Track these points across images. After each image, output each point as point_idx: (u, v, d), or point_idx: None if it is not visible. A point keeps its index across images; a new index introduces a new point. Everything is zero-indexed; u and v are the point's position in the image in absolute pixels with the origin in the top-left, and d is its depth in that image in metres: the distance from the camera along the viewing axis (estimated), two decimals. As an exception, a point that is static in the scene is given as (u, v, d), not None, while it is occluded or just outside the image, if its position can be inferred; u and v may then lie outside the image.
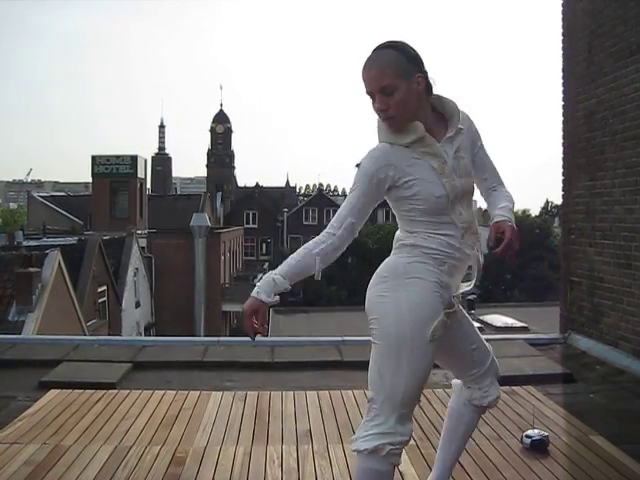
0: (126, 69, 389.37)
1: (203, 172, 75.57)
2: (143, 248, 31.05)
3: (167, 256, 32.34)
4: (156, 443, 3.29)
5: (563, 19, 5.89)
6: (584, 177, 5.48)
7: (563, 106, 5.87)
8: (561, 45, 5.90)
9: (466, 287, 2.20)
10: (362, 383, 4.07)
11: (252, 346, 5.24)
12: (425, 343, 2.02)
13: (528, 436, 3.20)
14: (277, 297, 2.02)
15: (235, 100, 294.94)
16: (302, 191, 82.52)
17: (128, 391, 4.16)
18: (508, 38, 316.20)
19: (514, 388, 4.06)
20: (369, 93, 2.04)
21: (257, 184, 62.75)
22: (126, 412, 3.76)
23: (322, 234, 2.06)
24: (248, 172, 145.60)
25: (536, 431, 3.24)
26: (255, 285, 2.02)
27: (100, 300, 23.54)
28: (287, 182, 72.20)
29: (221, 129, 72.35)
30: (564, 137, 5.86)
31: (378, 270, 2.13)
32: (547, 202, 59.93)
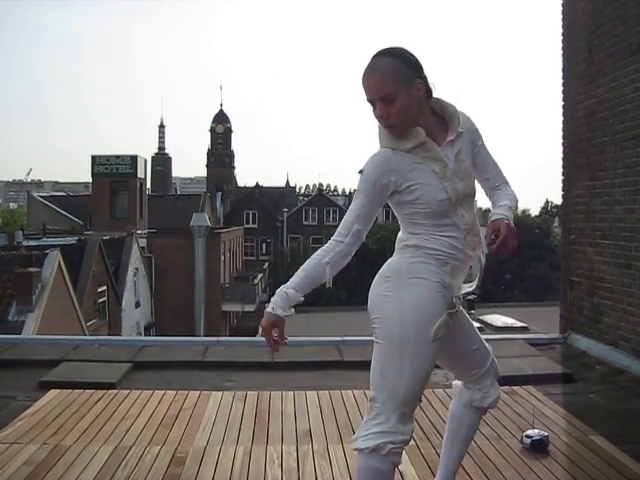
0: (126, 69, 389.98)
1: (203, 172, 75.62)
2: (143, 248, 31.04)
3: (167, 256, 32.34)
4: (156, 443, 3.29)
5: (563, 19, 5.89)
6: (584, 177, 5.48)
7: (563, 106, 5.87)
8: (561, 45, 5.90)
9: (468, 288, 2.22)
10: (362, 383, 4.09)
11: (252, 346, 5.24)
12: (428, 343, 2.04)
13: (528, 436, 3.20)
14: (292, 310, 2.06)
15: (235, 100, 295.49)
16: (302, 191, 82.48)
17: (128, 391, 4.16)
18: (508, 38, 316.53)
19: (514, 388, 4.06)
20: (370, 100, 2.05)
21: (257, 184, 62.68)
22: (126, 412, 3.76)
23: (329, 242, 2.08)
24: (248, 172, 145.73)
25: (536, 431, 3.24)
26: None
27: (100, 300, 23.53)
28: (287, 182, 72.14)
29: (221, 129, 72.32)
30: (564, 137, 5.86)
31: (381, 270, 2.15)
32: (547, 202, 59.93)
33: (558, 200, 6.68)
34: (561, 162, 5.91)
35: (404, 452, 2.09)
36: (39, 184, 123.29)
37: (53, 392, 4.10)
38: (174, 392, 4.11)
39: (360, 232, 2.08)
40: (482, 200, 2.35)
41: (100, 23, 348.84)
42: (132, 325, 27.25)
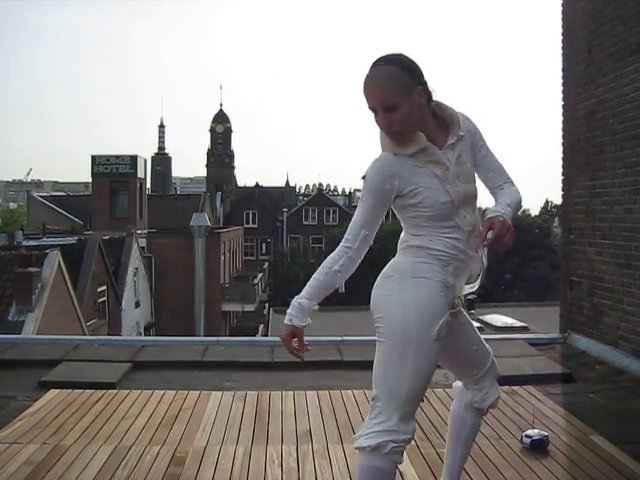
0: (126, 69, 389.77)
1: (203, 172, 75.57)
2: (143, 248, 31.04)
3: (167, 256, 32.34)
4: (156, 443, 3.29)
5: (563, 19, 5.89)
6: (584, 177, 5.49)
7: (563, 106, 5.88)
8: (561, 45, 5.90)
9: (470, 289, 2.24)
10: (362, 383, 4.10)
11: (252, 346, 5.23)
12: (430, 342, 2.05)
13: (528, 436, 3.20)
14: (309, 319, 2.10)
15: (235, 100, 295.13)
16: (302, 191, 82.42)
17: (128, 391, 4.16)
18: (508, 38, 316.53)
19: (514, 388, 4.06)
20: (371, 108, 2.06)
21: (257, 184, 62.67)
22: (126, 412, 3.76)
23: (339, 249, 2.13)
24: (248, 172, 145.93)
25: (536, 431, 3.25)
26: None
27: (100, 300, 23.54)
28: (287, 182, 72.09)
29: (221, 129, 72.29)
30: (564, 137, 5.86)
31: (384, 270, 2.16)
32: (547, 202, 59.83)
33: (558, 200, 6.69)
34: (561, 162, 5.91)
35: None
36: (39, 184, 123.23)
37: (53, 392, 4.10)
38: (174, 392, 4.12)
39: (368, 236, 2.12)
40: (483, 200, 2.34)
41: (100, 23, 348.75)
42: (132, 325, 27.25)
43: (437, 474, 2.87)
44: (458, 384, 2.45)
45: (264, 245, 54.01)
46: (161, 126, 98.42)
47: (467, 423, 2.39)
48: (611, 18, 5.03)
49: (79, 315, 19.39)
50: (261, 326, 31.52)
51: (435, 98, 2.14)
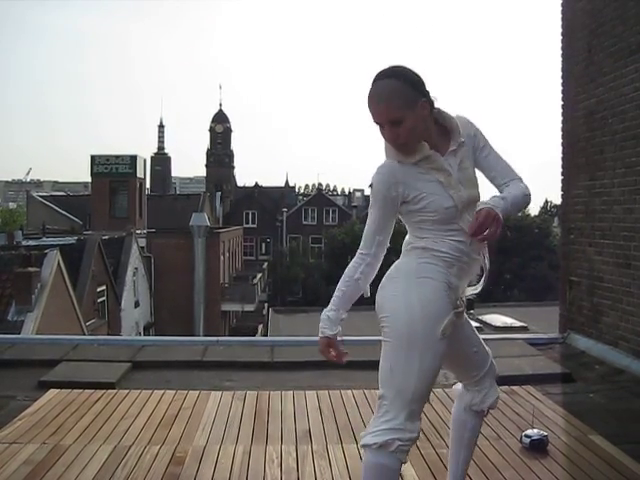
0: (126, 69, 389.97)
1: (202, 172, 75.49)
2: (142, 248, 31.02)
3: (166, 256, 32.32)
4: (155, 442, 3.29)
5: (563, 19, 5.89)
6: (583, 177, 5.49)
7: (562, 106, 5.88)
8: (561, 45, 5.90)
9: (472, 291, 2.27)
10: (362, 383, 4.10)
11: (251, 346, 5.23)
12: (436, 341, 2.07)
13: (527, 436, 3.20)
14: (339, 327, 2.17)
15: (235, 100, 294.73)
16: (301, 191, 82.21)
17: (127, 391, 4.16)
18: (508, 38, 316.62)
19: (514, 388, 4.06)
20: (377, 123, 2.09)
21: (256, 184, 62.63)
22: (125, 412, 3.76)
23: (356, 257, 2.18)
24: (247, 172, 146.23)
25: (535, 431, 3.25)
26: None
27: (99, 300, 23.53)
28: (286, 182, 72.01)
29: (220, 129, 72.23)
30: (563, 137, 5.86)
31: (389, 272, 2.20)
32: (546, 202, 59.73)
33: (558, 200, 6.69)
34: (561, 162, 5.91)
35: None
36: (38, 184, 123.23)
37: (52, 392, 4.10)
38: (173, 392, 4.11)
39: (382, 242, 2.18)
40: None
41: (100, 23, 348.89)
42: (131, 325, 27.24)
43: (437, 475, 2.87)
44: (458, 386, 2.47)
45: (264, 245, 53.98)
46: (161, 126, 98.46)
47: (468, 426, 2.41)
48: (611, 18, 5.03)
49: (78, 315, 19.39)
50: (260, 326, 31.54)
51: (437, 105, 2.16)
